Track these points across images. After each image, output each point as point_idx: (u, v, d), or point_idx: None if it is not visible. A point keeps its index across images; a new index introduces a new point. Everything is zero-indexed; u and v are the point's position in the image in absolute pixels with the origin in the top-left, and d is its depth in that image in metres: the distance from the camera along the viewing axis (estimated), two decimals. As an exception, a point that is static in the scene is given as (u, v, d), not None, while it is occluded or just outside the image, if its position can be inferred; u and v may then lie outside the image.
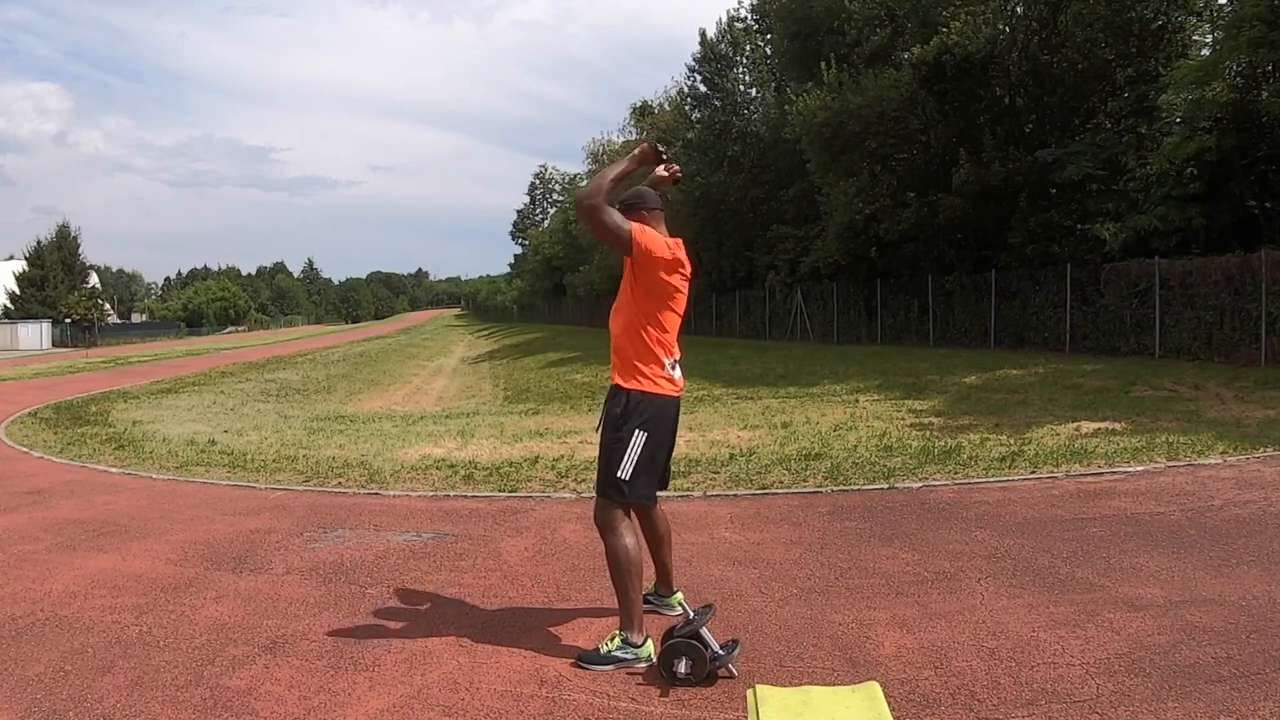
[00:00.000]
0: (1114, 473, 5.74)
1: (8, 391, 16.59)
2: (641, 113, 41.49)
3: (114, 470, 7.27)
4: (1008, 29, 18.56)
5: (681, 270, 3.02)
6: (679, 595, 3.40)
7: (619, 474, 2.94)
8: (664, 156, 3.04)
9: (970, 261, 19.47)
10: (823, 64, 20.96)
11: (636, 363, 2.98)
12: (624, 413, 2.96)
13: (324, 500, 5.82)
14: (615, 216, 2.91)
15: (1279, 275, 12.25)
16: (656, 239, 2.96)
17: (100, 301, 53.94)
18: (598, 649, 2.97)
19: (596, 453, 3.09)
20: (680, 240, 3.08)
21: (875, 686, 2.59)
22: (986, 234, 18.82)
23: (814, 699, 2.54)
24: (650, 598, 3.37)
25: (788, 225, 25.65)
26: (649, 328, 2.99)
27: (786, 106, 22.65)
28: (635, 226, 2.93)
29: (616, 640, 2.95)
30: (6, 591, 3.91)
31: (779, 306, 27.44)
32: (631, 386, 2.97)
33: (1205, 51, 16.43)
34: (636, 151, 3.01)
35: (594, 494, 3.11)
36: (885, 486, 5.60)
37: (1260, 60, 13.71)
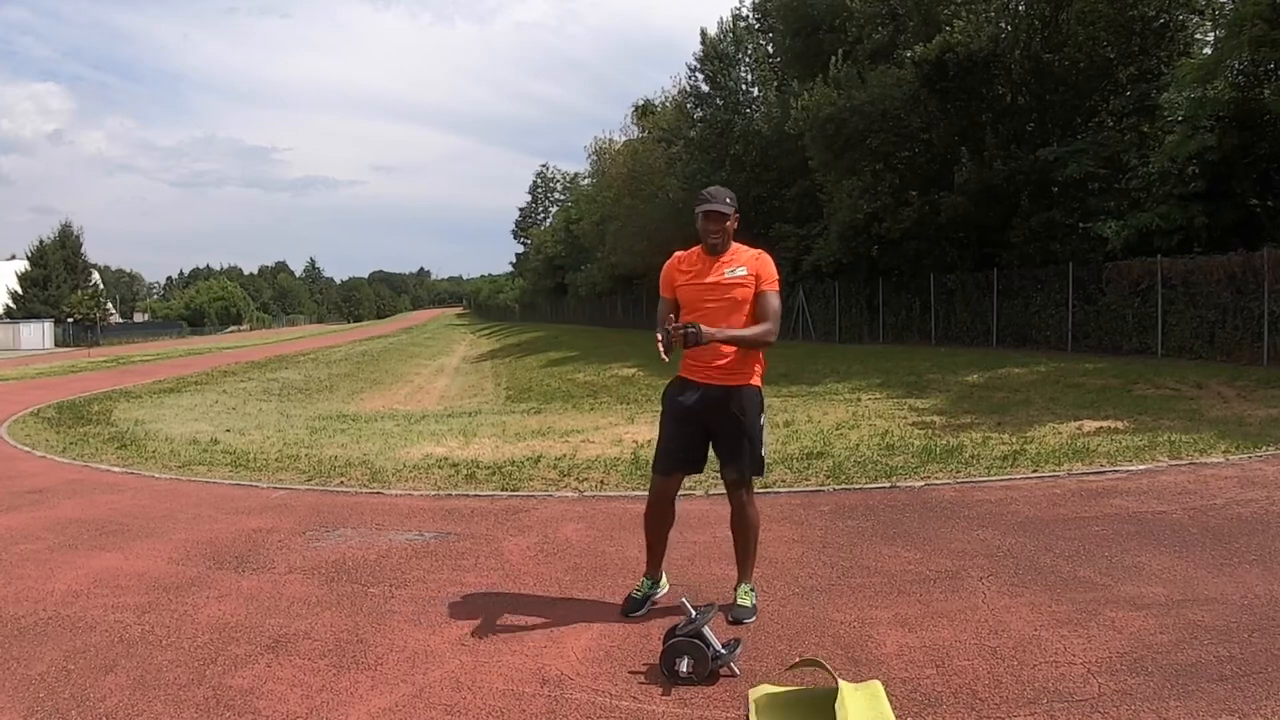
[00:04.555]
0: (1116, 471, 5.73)
1: (10, 391, 16.63)
2: (643, 112, 41.41)
3: (116, 469, 7.28)
4: (1010, 27, 18.53)
5: (680, 280, 3.41)
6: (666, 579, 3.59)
7: (763, 453, 3.34)
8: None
9: (972, 260, 19.44)
10: (832, 59, 20.90)
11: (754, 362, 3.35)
12: (759, 405, 3.33)
13: (326, 499, 5.83)
14: (771, 330, 3.28)
15: (1281, 274, 12.24)
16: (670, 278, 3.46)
17: (102, 301, 53.96)
18: (747, 605, 3.30)
19: (674, 443, 3.32)
20: (677, 254, 3.50)
21: (877, 685, 2.58)
22: (988, 232, 18.79)
23: (815, 698, 2.54)
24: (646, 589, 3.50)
25: (790, 224, 25.59)
26: None
27: (791, 101, 22.59)
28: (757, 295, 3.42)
29: (751, 590, 3.38)
30: (9, 591, 3.92)
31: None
32: (757, 384, 3.35)
33: (1207, 50, 16.41)
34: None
35: (688, 476, 3.45)
36: (887, 485, 5.60)
37: (1262, 59, 13.68)
